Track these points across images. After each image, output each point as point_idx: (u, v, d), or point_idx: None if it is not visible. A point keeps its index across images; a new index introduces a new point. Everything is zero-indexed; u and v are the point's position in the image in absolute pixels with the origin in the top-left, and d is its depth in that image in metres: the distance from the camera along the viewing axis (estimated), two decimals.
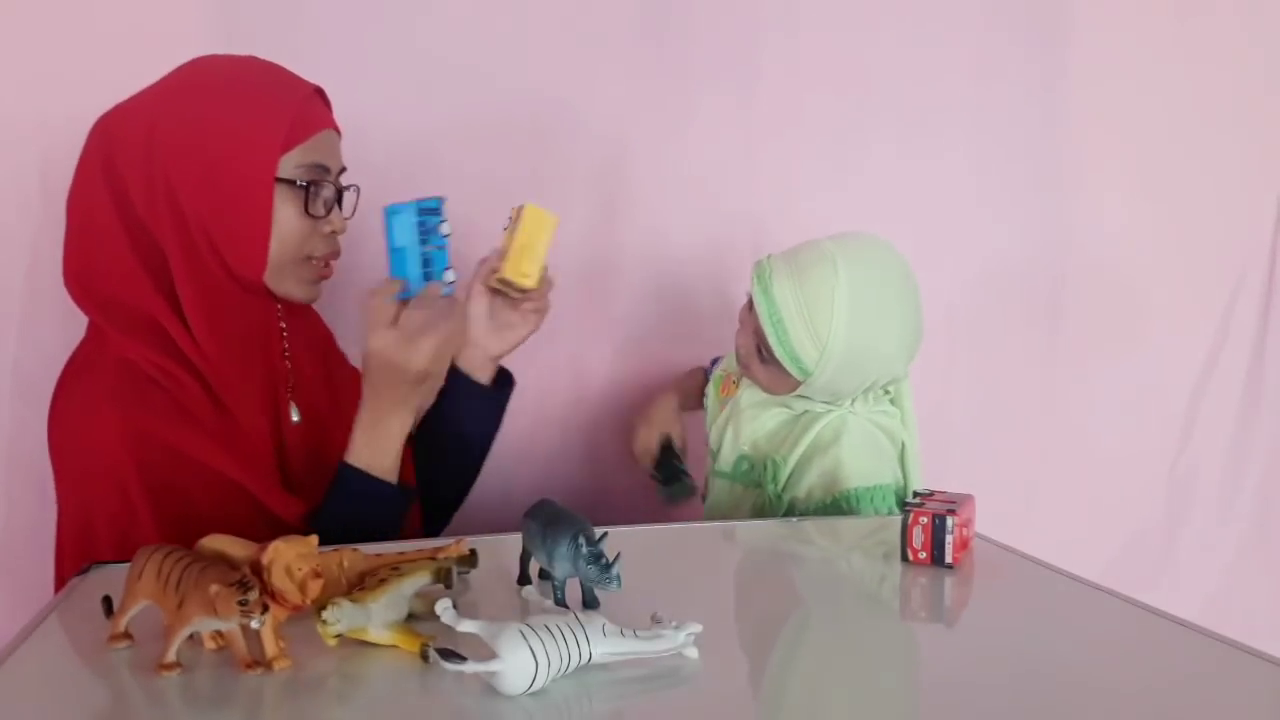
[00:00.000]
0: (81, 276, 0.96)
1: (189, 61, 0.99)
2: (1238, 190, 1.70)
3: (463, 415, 1.16)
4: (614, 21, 1.42)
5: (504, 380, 1.18)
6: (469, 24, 1.37)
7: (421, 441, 1.16)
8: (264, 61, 1.01)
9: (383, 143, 1.27)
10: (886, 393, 1.18)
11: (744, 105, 1.49)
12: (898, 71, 1.54)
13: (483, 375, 1.14)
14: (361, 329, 0.97)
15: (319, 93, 1.03)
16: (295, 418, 1.06)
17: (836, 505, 1.09)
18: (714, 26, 1.46)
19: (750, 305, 1.12)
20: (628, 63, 1.44)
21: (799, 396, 1.15)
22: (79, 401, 0.94)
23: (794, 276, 1.07)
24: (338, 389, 1.14)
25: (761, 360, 1.12)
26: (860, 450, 1.11)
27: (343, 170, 1.05)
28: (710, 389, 1.29)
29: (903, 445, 1.18)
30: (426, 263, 0.99)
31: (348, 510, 0.99)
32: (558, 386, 1.48)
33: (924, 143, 1.56)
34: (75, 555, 0.93)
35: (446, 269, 1.00)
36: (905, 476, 1.19)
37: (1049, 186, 1.63)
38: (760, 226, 1.51)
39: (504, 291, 1.08)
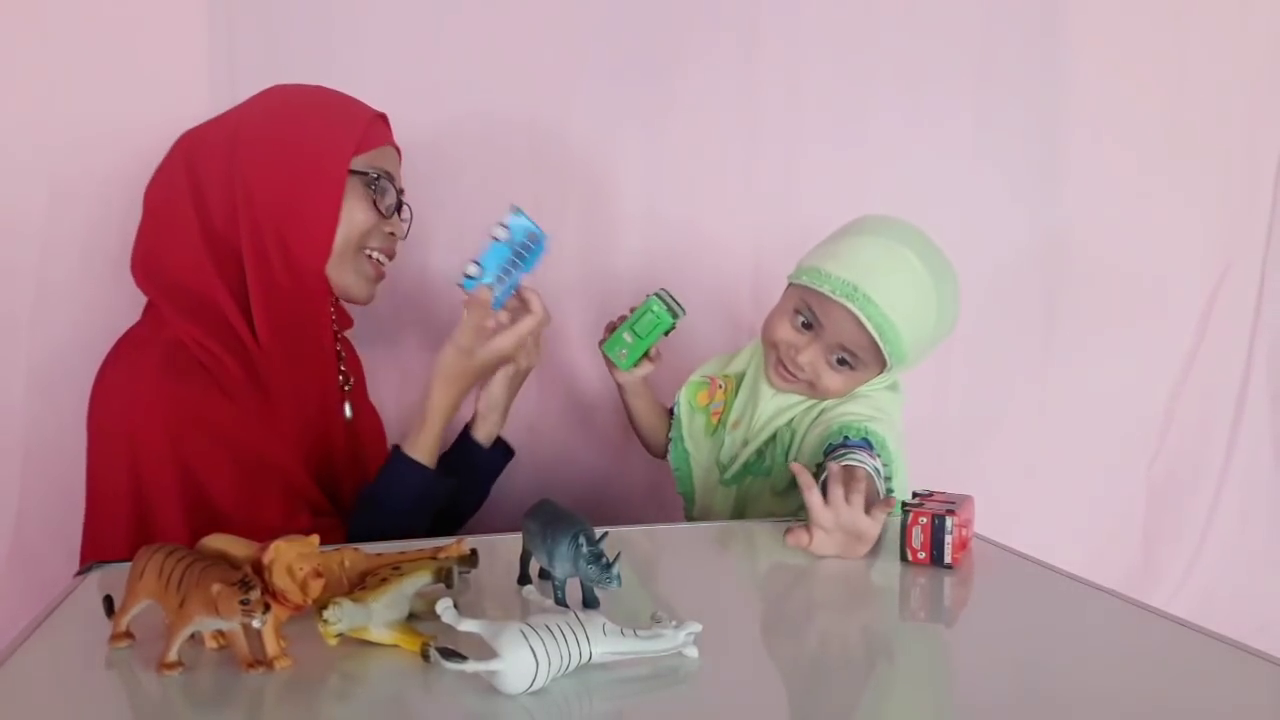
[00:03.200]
0: (149, 263, 1.04)
1: (266, 89, 1.08)
2: (1226, 190, 1.70)
3: (469, 475, 1.22)
4: (610, 20, 1.42)
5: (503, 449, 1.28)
6: (467, 33, 1.37)
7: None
8: (333, 89, 1.10)
9: None
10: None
11: (743, 104, 1.49)
12: (899, 68, 1.54)
13: (485, 439, 1.23)
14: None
15: (383, 117, 1.12)
16: (348, 414, 1.15)
17: (846, 432, 1.06)
18: (711, 20, 1.46)
19: (809, 323, 1.10)
20: (624, 62, 1.44)
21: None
22: (124, 372, 1.00)
23: (866, 268, 1.07)
24: (366, 401, 1.23)
25: (836, 369, 1.11)
26: (873, 407, 1.12)
27: (402, 190, 1.14)
28: (682, 398, 1.26)
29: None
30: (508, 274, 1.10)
31: (407, 504, 1.08)
32: (557, 388, 1.48)
33: (924, 145, 1.57)
34: (95, 524, 0.99)
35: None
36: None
37: (1045, 182, 1.63)
38: (759, 229, 1.51)
39: None
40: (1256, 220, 1.73)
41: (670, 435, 1.28)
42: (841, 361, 1.10)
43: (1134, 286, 1.69)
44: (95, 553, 0.96)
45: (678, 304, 1.18)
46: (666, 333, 1.19)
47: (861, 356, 1.09)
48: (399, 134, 1.15)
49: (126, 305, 1.08)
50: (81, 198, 1.24)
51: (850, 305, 1.05)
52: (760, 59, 1.49)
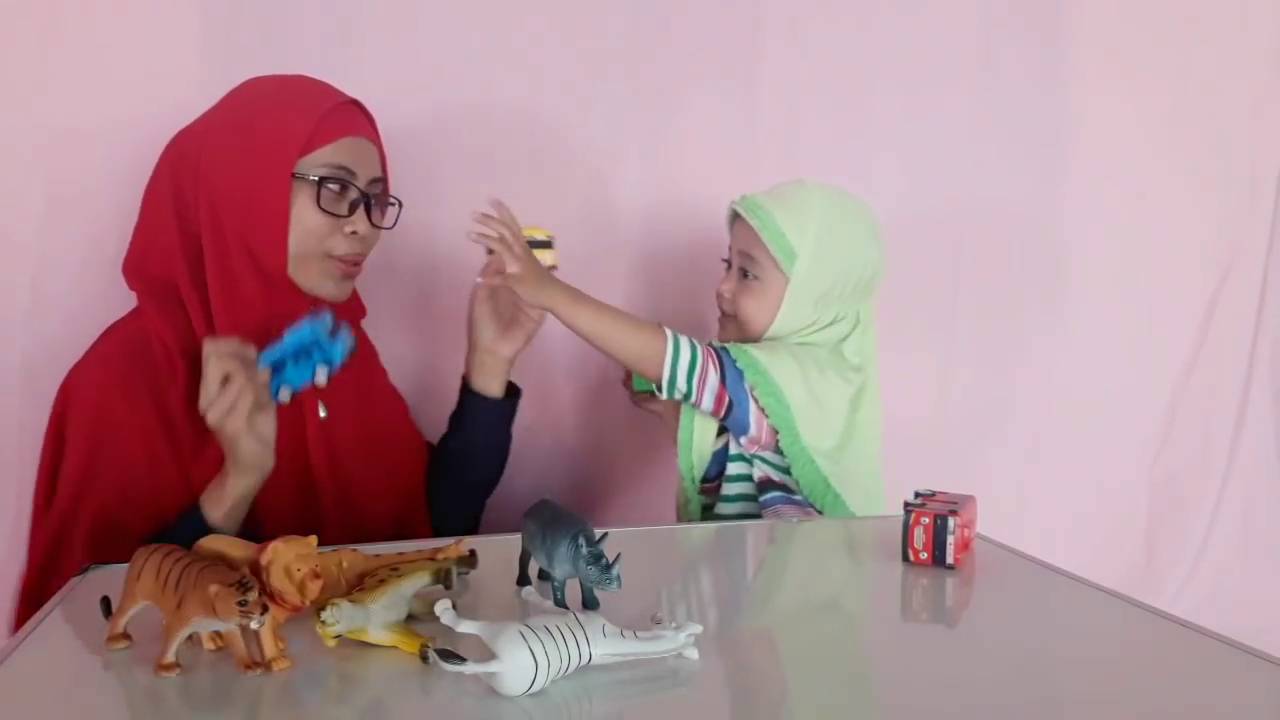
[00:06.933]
0: (137, 262, 1.06)
1: (240, 84, 1.07)
2: (1229, 188, 1.70)
3: (480, 431, 1.20)
4: (611, 14, 1.42)
5: (512, 391, 1.24)
6: (465, 23, 1.37)
7: (443, 461, 1.23)
8: (307, 78, 1.08)
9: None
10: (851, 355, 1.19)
11: (743, 103, 1.49)
12: (900, 60, 1.54)
13: (496, 387, 1.19)
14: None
15: (354, 104, 1.08)
16: (322, 414, 1.11)
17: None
18: (713, 19, 1.46)
19: (729, 261, 1.20)
20: (625, 57, 1.43)
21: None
22: (83, 359, 1.03)
23: (768, 190, 1.18)
24: (368, 395, 1.19)
25: (746, 280, 1.16)
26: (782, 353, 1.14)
27: (378, 180, 1.10)
28: None
29: (862, 387, 1.17)
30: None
31: None
32: (557, 387, 1.48)
33: (925, 146, 1.56)
34: (37, 514, 1.02)
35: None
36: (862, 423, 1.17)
37: (1048, 181, 1.63)
38: None
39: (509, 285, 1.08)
40: (1260, 218, 1.73)
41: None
42: (745, 274, 1.17)
43: (1137, 285, 1.69)
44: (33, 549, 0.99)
45: None
46: None
47: (757, 258, 1.15)
48: (401, 124, 1.15)
49: (122, 306, 1.08)
50: (77, 199, 1.24)
51: (738, 208, 1.16)
52: (762, 47, 1.48)
